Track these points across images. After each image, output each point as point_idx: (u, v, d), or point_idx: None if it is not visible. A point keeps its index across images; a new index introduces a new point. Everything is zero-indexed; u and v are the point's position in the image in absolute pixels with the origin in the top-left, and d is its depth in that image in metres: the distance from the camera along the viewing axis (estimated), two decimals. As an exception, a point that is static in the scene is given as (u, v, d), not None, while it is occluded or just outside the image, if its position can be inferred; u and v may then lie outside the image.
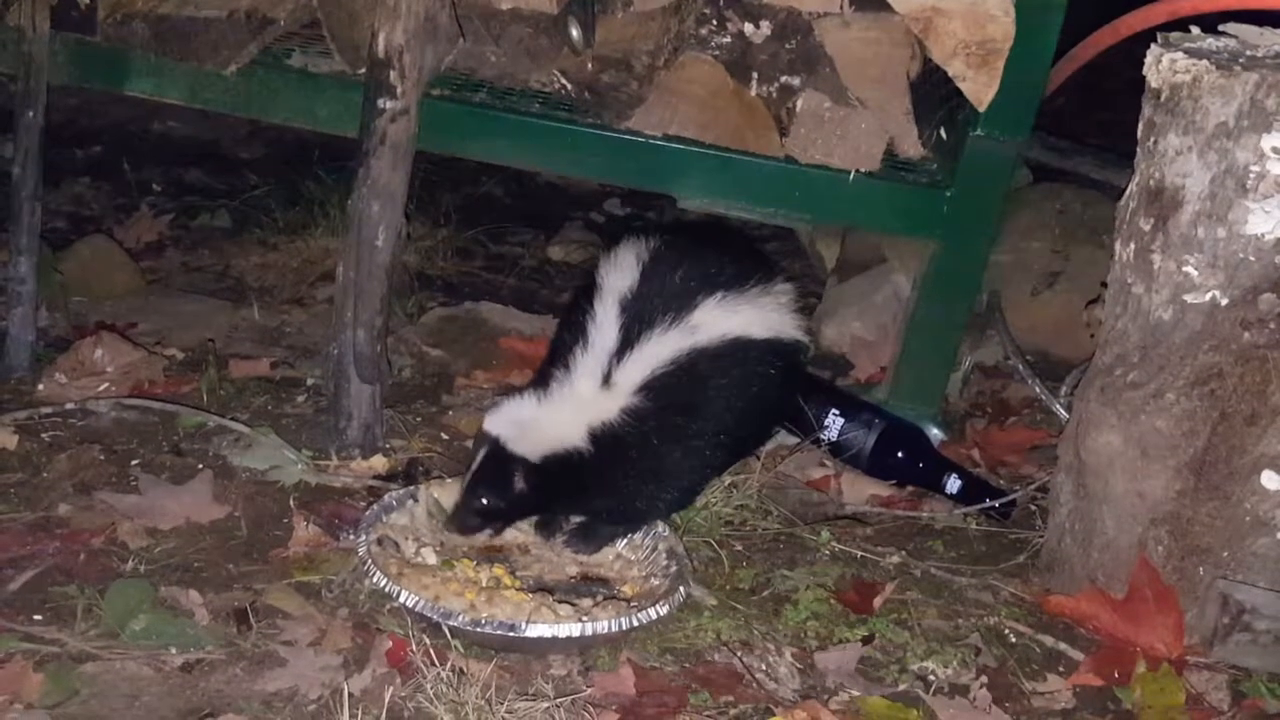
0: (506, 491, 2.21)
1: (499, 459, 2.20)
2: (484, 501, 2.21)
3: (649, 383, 2.25)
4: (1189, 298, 2.21)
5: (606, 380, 2.25)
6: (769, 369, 2.44)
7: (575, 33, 2.75)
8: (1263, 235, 2.13)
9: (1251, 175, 2.11)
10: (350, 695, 1.83)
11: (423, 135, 2.50)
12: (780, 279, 2.55)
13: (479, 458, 2.21)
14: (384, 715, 1.80)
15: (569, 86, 2.86)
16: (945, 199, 2.77)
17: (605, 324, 2.29)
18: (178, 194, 3.87)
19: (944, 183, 2.80)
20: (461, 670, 1.93)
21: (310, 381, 2.82)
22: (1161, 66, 2.18)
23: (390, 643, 1.99)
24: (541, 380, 2.29)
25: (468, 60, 2.85)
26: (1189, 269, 2.19)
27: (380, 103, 2.40)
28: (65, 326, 2.92)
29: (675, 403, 2.28)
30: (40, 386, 2.63)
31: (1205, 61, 2.14)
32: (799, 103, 2.79)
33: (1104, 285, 2.41)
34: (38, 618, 1.97)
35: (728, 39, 2.89)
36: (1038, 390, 3.10)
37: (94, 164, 4.01)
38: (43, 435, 2.47)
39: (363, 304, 2.43)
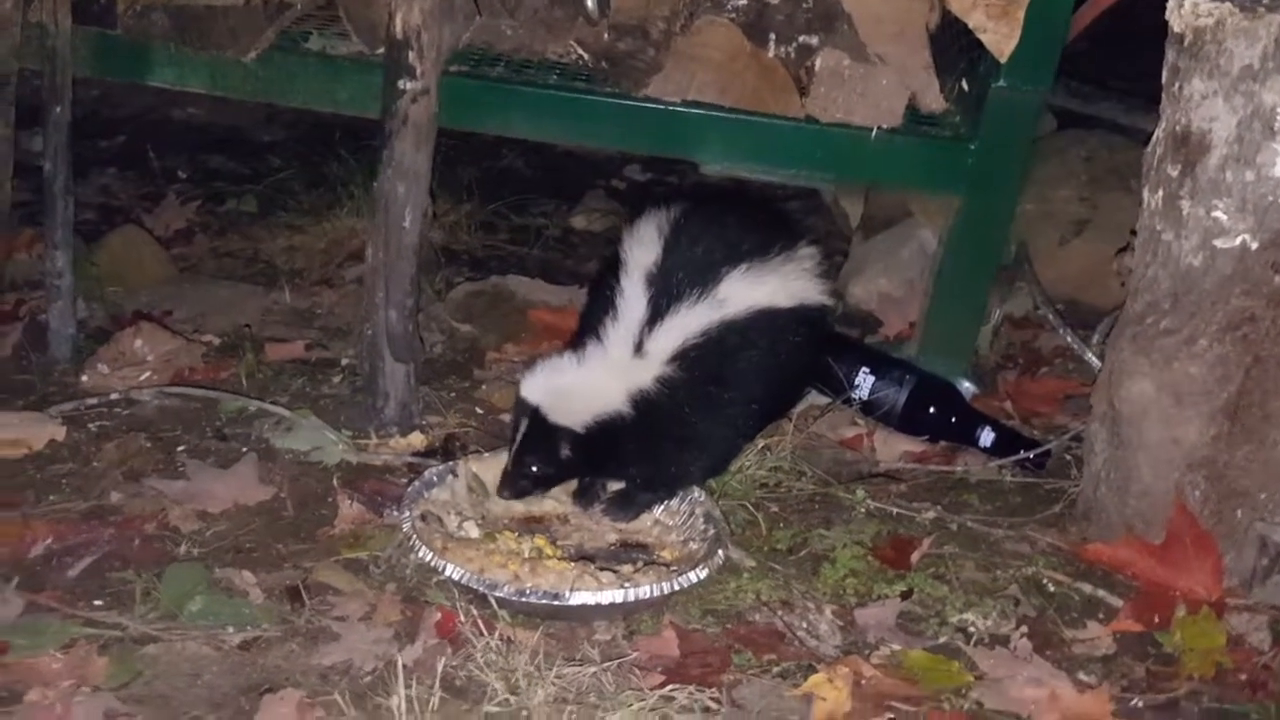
0: (553, 459, 2.26)
1: (542, 429, 2.24)
2: (534, 469, 2.26)
3: (681, 352, 2.28)
4: (1219, 243, 2.20)
5: (639, 349, 2.27)
6: (796, 336, 2.47)
7: (590, 2, 2.76)
8: (1290, 177, 2.13)
9: (1279, 117, 2.10)
10: (404, 667, 1.86)
11: (441, 112, 2.51)
12: (803, 243, 2.56)
13: (523, 429, 2.25)
14: (437, 685, 1.83)
15: (586, 56, 2.87)
16: (969, 152, 2.77)
17: (633, 297, 2.32)
18: (203, 180, 3.90)
19: (967, 136, 2.79)
20: (509, 639, 1.97)
21: (344, 362, 2.85)
22: (1184, 10, 2.17)
23: (439, 615, 2.03)
24: (573, 348, 2.32)
25: (484, 35, 2.87)
26: (1218, 214, 2.19)
27: (400, 84, 2.42)
28: (103, 317, 2.96)
29: (707, 372, 2.30)
30: (84, 378, 2.67)
31: (1228, 4, 2.12)
32: (818, 62, 2.79)
33: (1133, 233, 2.41)
34: (98, 603, 2.02)
35: (743, 1, 2.89)
36: (1069, 339, 3.10)
37: (119, 154, 4.05)
38: (89, 426, 2.51)
39: (393, 285, 2.46)
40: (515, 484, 2.28)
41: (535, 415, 2.24)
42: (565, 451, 2.25)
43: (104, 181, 3.85)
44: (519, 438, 2.25)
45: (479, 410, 2.72)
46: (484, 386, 2.82)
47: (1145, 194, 2.33)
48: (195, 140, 4.20)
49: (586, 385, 2.26)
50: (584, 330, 2.38)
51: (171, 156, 4.01)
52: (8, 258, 2.93)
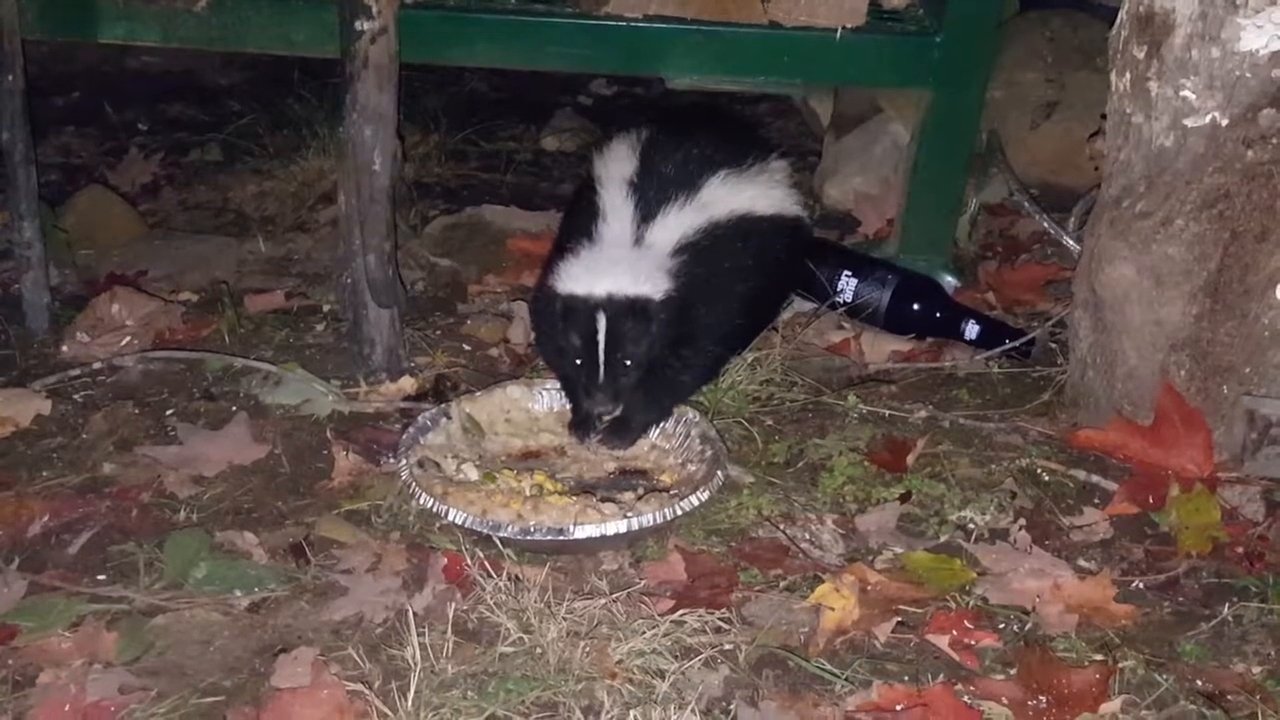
0: (644, 336, 2.21)
1: (625, 311, 2.19)
2: (627, 362, 2.21)
3: (680, 247, 2.30)
4: (1189, 122, 2.19)
5: (639, 242, 2.30)
6: (777, 243, 2.51)
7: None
8: (1257, 51, 2.11)
9: (1242, -9, 2.08)
10: (415, 615, 1.88)
11: (401, 47, 2.46)
12: (774, 156, 2.59)
13: (603, 327, 2.18)
14: (449, 630, 1.85)
15: (542, -23, 2.81)
16: (936, 45, 2.75)
17: (619, 204, 2.34)
18: (164, 131, 3.84)
19: (932, 28, 2.76)
20: (517, 578, 1.98)
21: (326, 308, 2.84)
22: (1142, -112, 2.14)
23: (445, 560, 2.04)
24: (571, 250, 2.31)
25: (437, -37, 2.80)
26: (1187, 93, 2.18)
27: (357, 25, 2.37)
28: (77, 282, 2.92)
29: (704, 271, 2.31)
30: (64, 347, 2.64)
31: (1186, -122, 2.09)
32: (776, -35, 2.74)
33: (1103, 117, 2.40)
34: (101, 578, 2.02)
35: (697, -93, 2.82)
36: (1046, 224, 3.10)
37: (75, 110, 3.96)
38: (75, 397, 2.49)
39: (369, 230, 2.44)
40: (614, 386, 2.21)
41: (610, 303, 2.17)
42: (654, 327, 2.21)
43: (63, 140, 3.77)
44: (603, 338, 2.18)
45: (466, 347, 2.71)
46: (469, 321, 2.81)
47: (1113, 77, 2.31)
48: (152, 89, 4.11)
49: (632, 259, 2.25)
50: (572, 238, 2.36)
51: (130, 109, 3.93)
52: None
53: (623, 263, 2.25)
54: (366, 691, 1.75)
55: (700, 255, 2.32)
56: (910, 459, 2.34)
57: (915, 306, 2.80)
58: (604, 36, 2.77)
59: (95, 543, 2.10)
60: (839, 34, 2.73)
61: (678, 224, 2.32)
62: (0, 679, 1.79)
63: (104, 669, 1.82)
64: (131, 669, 1.83)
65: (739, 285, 2.41)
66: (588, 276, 2.22)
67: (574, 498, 2.13)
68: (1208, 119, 2.17)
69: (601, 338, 2.19)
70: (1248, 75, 2.12)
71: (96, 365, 2.56)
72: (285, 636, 1.91)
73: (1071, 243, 3.02)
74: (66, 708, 1.73)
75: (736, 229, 2.40)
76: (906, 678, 1.85)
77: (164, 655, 1.86)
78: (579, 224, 2.38)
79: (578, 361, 2.22)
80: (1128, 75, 2.26)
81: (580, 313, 2.20)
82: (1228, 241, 2.21)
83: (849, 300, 2.81)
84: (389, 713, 1.72)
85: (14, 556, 2.04)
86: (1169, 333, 2.30)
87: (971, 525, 2.19)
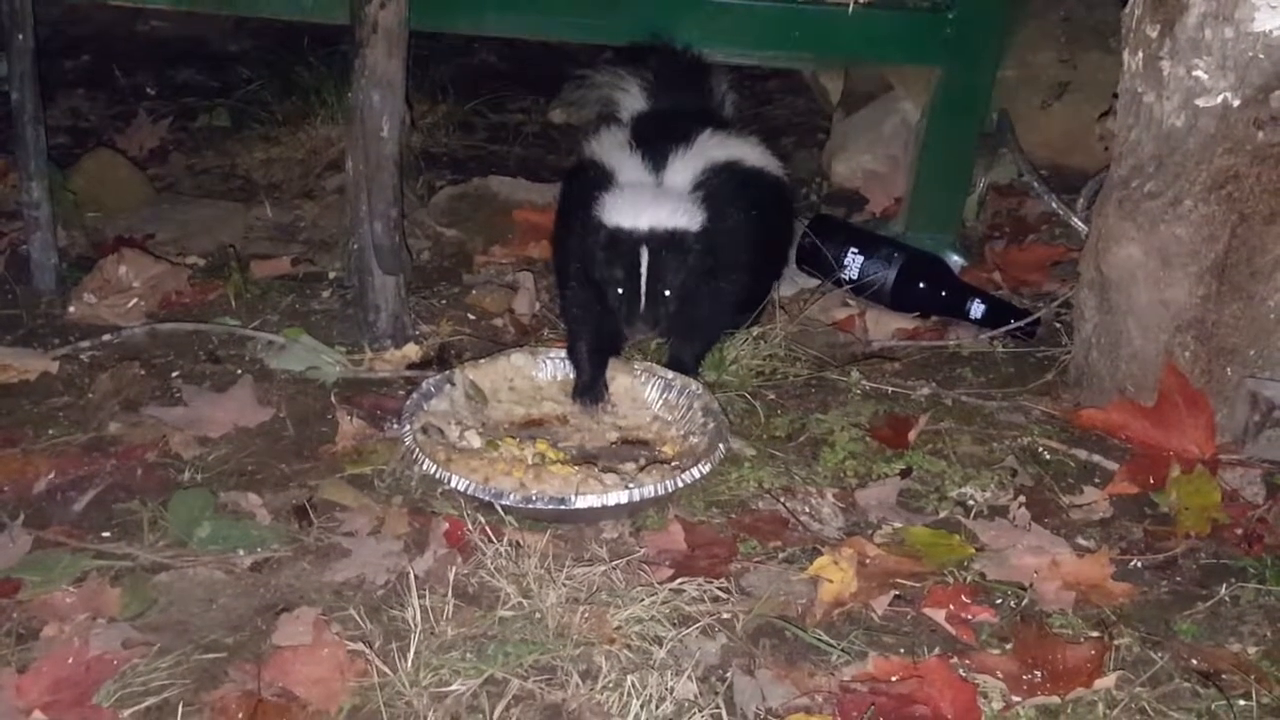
0: (682, 267, 2.28)
1: (666, 243, 2.25)
2: (665, 292, 2.28)
3: (697, 184, 2.37)
4: (1200, 102, 2.19)
5: (660, 185, 2.37)
6: (769, 197, 2.58)
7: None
8: (1270, 31, 2.10)
9: (1257, -29, 2.07)
10: (416, 578, 1.89)
11: (411, 14, 2.46)
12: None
13: (645, 259, 2.24)
14: (450, 593, 1.86)
15: (554, -54, 2.81)
16: (948, 21, 2.75)
17: (629, 154, 2.43)
18: (173, 96, 3.84)
19: (945, 5, 2.76)
20: (518, 543, 1.99)
21: (332, 275, 2.85)
22: None
23: (447, 524, 2.05)
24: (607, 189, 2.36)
25: (448, -69, 2.80)
26: (1199, 73, 2.17)
27: (368, -11, 2.37)
28: (84, 244, 2.94)
29: (719, 209, 2.35)
30: (71, 308, 2.65)
31: None
32: (789, -61, 2.74)
33: (1115, 96, 2.39)
34: (106, 535, 2.03)
35: (711, -121, 2.82)
36: (1054, 205, 3.10)
37: (85, 73, 3.97)
38: (81, 356, 2.50)
39: (376, 197, 2.44)
40: (654, 314, 2.28)
41: (653, 236, 2.25)
42: (692, 258, 2.28)
43: (72, 103, 3.78)
44: (644, 270, 2.24)
45: (470, 316, 2.72)
46: (474, 291, 2.82)
47: (1125, 56, 2.30)
48: (162, 54, 4.12)
49: (659, 197, 2.32)
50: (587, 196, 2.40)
51: (139, 73, 3.94)
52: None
53: (658, 200, 2.32)
54: (367, 651, 1.77)
55: (713, 193, 2.37)
56: (912, 435, 2.34)
57: (921, 285, 2.80)
58: (616, 7, 2.77)
59: (100, 500, 2.11)
60: (851, 9, 2.73)
61: (690, 166, 2.39)
62: (5, 632, 1.81)
63: (107, 624, 1.83)
64: (135, 624, 1.84)
65: (747, 224, 2.46)
66: (633, 213, 2.28)
67: (576, 467, 2.14)
68: (1219, 99, 2.17)
69: (643, 269, 2.24)
70: (1260, 56, 2.12)
71: (106, 337, 2.55)
72: (287, 596, 1.92)
73: (1079, 224, 3.02)
74: (70, 660, 1.74)
75: (734, 176, 2.46)
76: (902, 650, 1.86)
77: (167, 611, 1.88)
78: (595, 181, 2.43)
79: (619, 291, 2.28)
80: (1140, 54, 2.25)
81: (624, 245, 2.26)
82: (1236, 223, 2.21)
83: (855, 277, 2.81)
84: (389, 672, 1.73)
85: (20, 512, 2.05)
86: (1174, 314, 2.30)
87: (971, 502, 2.19)
